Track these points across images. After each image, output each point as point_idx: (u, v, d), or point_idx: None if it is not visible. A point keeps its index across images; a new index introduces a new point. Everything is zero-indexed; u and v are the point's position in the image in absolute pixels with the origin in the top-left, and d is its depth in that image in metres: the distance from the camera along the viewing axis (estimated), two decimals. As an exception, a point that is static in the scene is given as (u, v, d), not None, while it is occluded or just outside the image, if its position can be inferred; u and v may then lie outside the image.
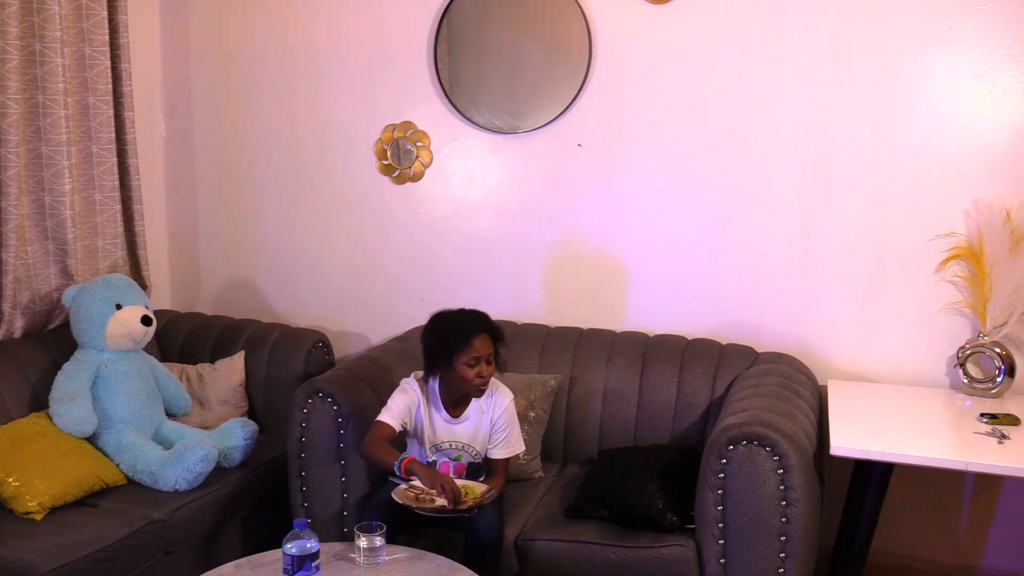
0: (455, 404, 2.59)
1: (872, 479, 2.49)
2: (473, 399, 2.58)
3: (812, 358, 3.00)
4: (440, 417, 2.58)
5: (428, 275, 3.48)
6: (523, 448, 2.69)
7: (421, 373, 2.60)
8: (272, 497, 2.98)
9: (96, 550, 2.38)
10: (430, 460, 2.60)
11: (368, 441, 2.50)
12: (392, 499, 2.37)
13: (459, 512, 2.32)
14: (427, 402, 2.58)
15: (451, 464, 2.60)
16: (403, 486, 2.41)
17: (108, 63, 3.20)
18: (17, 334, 3.03)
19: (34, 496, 2.52)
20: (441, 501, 2.34)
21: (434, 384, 2.58)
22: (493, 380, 2.61)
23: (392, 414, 2.53)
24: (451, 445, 2.60)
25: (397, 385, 2.62)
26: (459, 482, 2.45)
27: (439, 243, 3.45)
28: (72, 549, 2.35)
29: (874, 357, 2.97)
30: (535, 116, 3.22)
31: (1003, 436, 2.40)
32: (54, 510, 2.56)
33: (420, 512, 2.32)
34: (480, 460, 2.63)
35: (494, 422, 2.60)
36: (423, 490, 2.39)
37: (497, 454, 2.62)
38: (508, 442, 2.62)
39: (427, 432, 2.58)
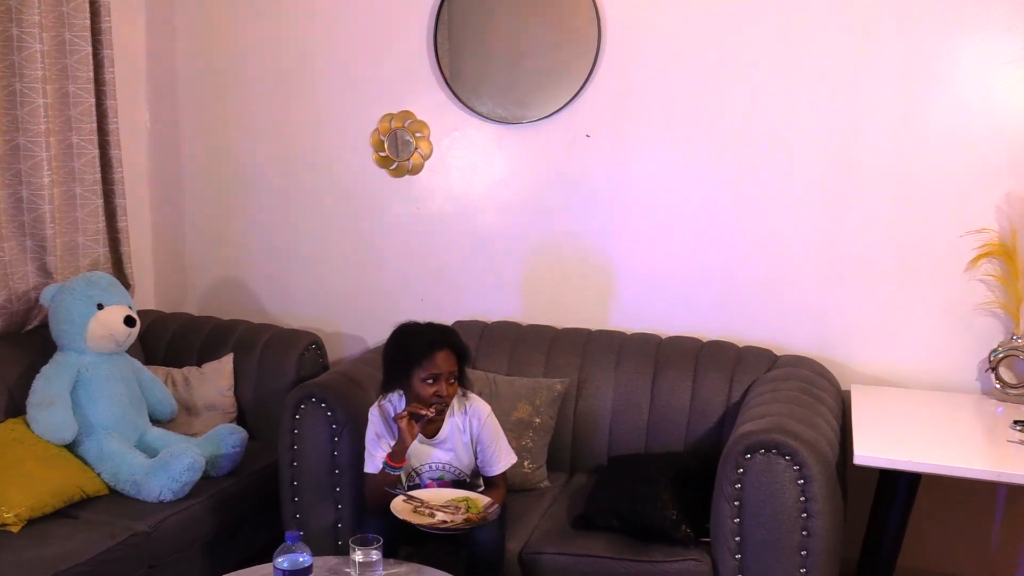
0: (428, 422, 2.55)
1: (898, 490, 2.48)
2: (448, 417, 2.56)
3: (834, 362, 2.99)
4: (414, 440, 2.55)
5: (427, 273, 3.48)
6: (515, 458, 2.67)
7: (382, 398, 2.59)
8: (262, 508, 2.98)
9: (76, 564, 2.38)
10: (412, 483, 2.58)
11: (368, 493, 2.54)
12: (391, 511, 2.37)
13: (459, 528, 2.31)
14: (395, 427, 2.53)
15: (435, 484, 2.58)
16: (400, 498, 2.40)
17: (89, 49, 3.19)
18: (-7, 335, 3.04)
19: (10, 507, 2.51)
20: (441, 515, 2.33)
21: (400, 404, 2.55)
22: (469, 394, 2.60)
23: (375, 461, 2.52)
24: (430, 467, 2.58)
25: None
26: (462, 494, 2.45)
27: (439, 239, 3.45)
28: (51, 563, 2.35)
29: (900, 360, 2.96)
30: (541, 105, 3.21)
31: (1038, 445, 2.39)
32: (31, 522, 2.55)
33: (418, 528, 2.31)
34: (465, 478, 2.62)
35: (476, 439, 2.58)
36: (422, 503, 2.38)
37: (492, 470, 2.60)
38: (498, 456, 2.60)
39: None
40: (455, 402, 2.56)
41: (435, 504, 2.38)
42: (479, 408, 2.60)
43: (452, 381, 2.48)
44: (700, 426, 2.89)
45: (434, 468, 2.58)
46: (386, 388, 2.56)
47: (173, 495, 2.73)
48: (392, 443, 2.52)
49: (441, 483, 2.57)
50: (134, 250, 3.54)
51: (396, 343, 2.54)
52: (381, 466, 2.49)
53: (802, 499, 2.24)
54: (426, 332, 2.51)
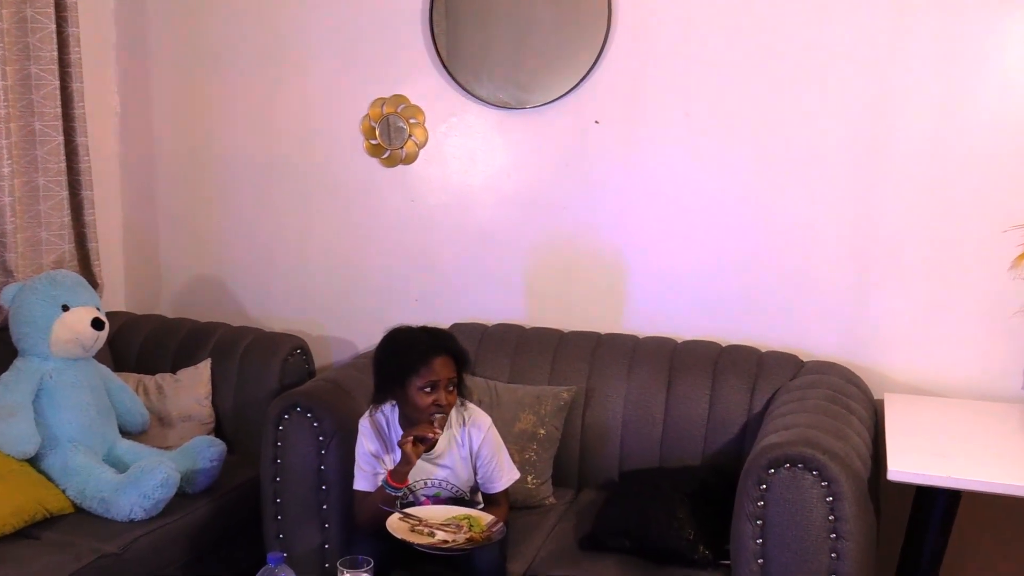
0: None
1: (936, 509, 2.48)
2: (444, 429, 2.54)
3: (866, 368, 2.98)
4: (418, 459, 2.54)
5: (422, 272, 3.47)
6: (518, 474, 2.67)
7: (373, 409, 2.57)
8: (243, 527, 2.97)
9: (39, 588, 2.37)
10: (406, 501, 2.57)
11: (359, 513, 2.53)
12: (383, 530, 2.36)
13: (462, 548, 2.30)
14: (388, 438, 2.54)
15: (430, 502, 2.57)
16: (396, 515, 2.39)
17: (53, 26, 3.19)
18: (-51, 339, 3.03)
19: (-32, 526, 2.51)
20: (441, 535, 2.32)
21: (392, 415, 2.55)
22: (468, 404, 2.60)
23: (367, 477, 2.52)
24: (425, 483, 2.57)
25: None
26: (463, 511, 2.45)
27: (435, 235, 3.44)
28: (11, 587, 2.34)
29: (938, 367, 2.95)
30: (546, 89, 3.20)
31: (1089, 459, 2.38)
32: (-9, 543, 2.55)
33: (417, 548, 2.30)
34: (463, 495, 2.61)
35: (476, 454, 2.57)
36: (419, 521, 2.37)
37: (494, 487, 2.60)
38: (500, 472, 2.59)
39: None
40: (452, 413, 2.55)
41: (434, 522, 2.38)
42: (479, 419, 2.59)
43: (451, 389, 2.47)
44: (719, 438, 2.88)
45: (430, 485, 2.57)
46: (378, 398, 2.55)
47: (145, 513, 2.72)
48: (384, 457, 2.52)
49: (437, 501, 2.57)
50: (102, 246, 3.54)
51: (389, 350, 2.53)
52: (379, 484, 2.48)
53: (831, 518, 2.23)
54: (421, 337, 2.50)
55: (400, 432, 2.51)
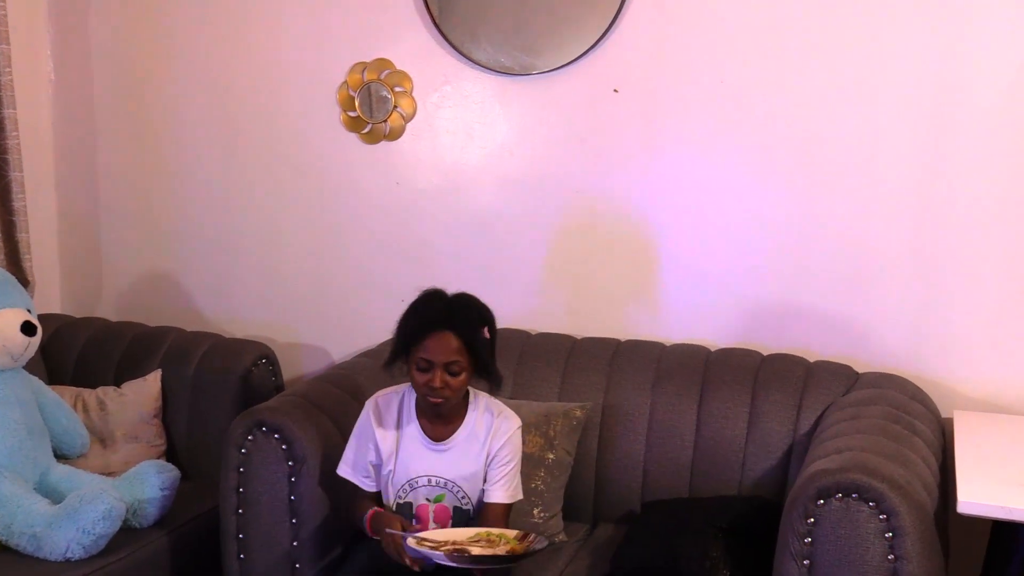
0: (439, 419, 2.56)
1: (1018, 547, 2.47)
2: (467, 415, 2.57)
3: (932, 381, 2.99)
4: (417, 439, 2.56)
5: (410, 267, 3.47)
6: (521, 495, 2.66)
7: (381, 395, 2.62)
8: (200, 567, 2.98)
9: (-40, 640, 2.39)
10: (402, 501, 2.58)
11: (349, 506, 2.59)
12: (371, 565, 2.37)
13: (516, 555, 2.31)
14: (393, 418, 2.57)
15: (430, 507, 2.57)
16: (411, 539, 2.34)
17: (-24, -20, 3.20)
18: None
19: None
20: (476, 550, 2.30)
21: (409, 397, 2.58)
22: (495, 403, 2.61)
23: (352, 464, 2.57)
24: (429, 480, 2.57)
25: None
26: (482, 529, 2.44)
27: (424, 223, 3.46)
28: (-73, 638, 2.35)
29: (1017, 380, 2.96)
30: (555, 52, 3.21)
31: None
32: (-97, 587, 2.56)
33: (469, 560, 2.29)
34: (471, 507, 2.61)
35: (493, 453, 2.57)
36: (443, 542, 2.35)
37: (496, 496, 2.58)
38: (511, 481, 2.59)
39: (396, 461, 2.56)
40: (483, 402, 2.58)
41: (461, 540, 2.36)
42: (508, 420, 2.60)
43: (456, 372, 2.45)
44: (759, 464, 2.89)
45: (434, 484, 2.57)
46: (389, 360, 2.55)
47: (84, 551, 2.72)
48: (381, 439, 2.55)
49: (439, 507, 2.57)
50: (34, 238, 3.54)
51: (409, 309, 2.54)
52: (367, 484, 2.56)
53: (890, 557, 2.23)
54: (435, 304, 2.50)
55: (412, 415, 2.56)
